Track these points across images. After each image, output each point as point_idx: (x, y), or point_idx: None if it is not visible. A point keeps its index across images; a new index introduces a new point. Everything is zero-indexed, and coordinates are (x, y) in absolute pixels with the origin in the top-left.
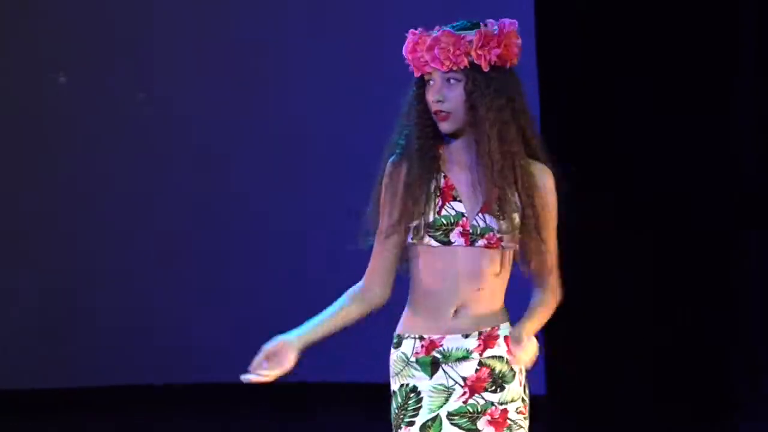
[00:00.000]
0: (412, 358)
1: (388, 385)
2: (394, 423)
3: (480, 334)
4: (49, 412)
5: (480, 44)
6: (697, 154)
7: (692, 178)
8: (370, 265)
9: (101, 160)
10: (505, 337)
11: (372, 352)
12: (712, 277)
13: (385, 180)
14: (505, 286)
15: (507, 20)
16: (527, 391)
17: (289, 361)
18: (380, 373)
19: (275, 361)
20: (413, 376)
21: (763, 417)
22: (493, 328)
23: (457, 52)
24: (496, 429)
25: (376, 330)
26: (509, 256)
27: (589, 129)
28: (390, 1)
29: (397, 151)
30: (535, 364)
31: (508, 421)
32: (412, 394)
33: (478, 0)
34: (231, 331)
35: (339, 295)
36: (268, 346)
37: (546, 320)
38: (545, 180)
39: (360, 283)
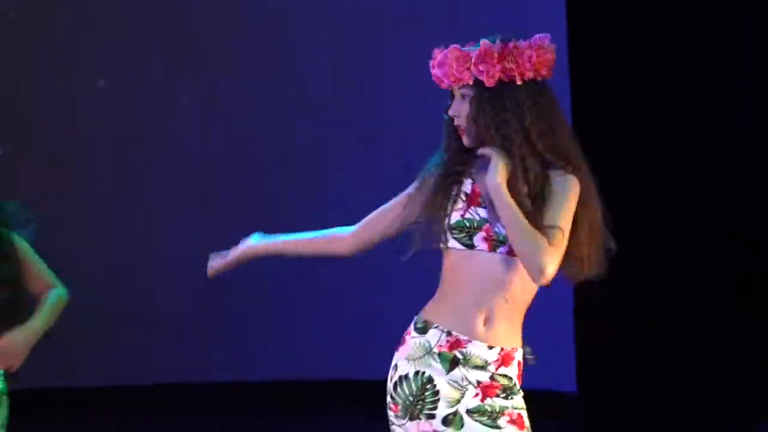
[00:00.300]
0: (435, 350)
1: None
2: (407, 407)
3: (502, 350)
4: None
5: (479, 60)
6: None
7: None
8: (365, 221)
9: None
10: (519, 362)
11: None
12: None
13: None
14: (525, 306)
15: (538, 36)
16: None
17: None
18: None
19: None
20: (431, 366)
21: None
22: (513, 348)
23: (461, 68)
24: (518, 427)
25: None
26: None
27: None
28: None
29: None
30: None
31: (526, 424)
32: (428, 385)
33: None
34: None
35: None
36: (237, 252)
37: (517, 228)
38: (561, 185)
39: (348, 229)
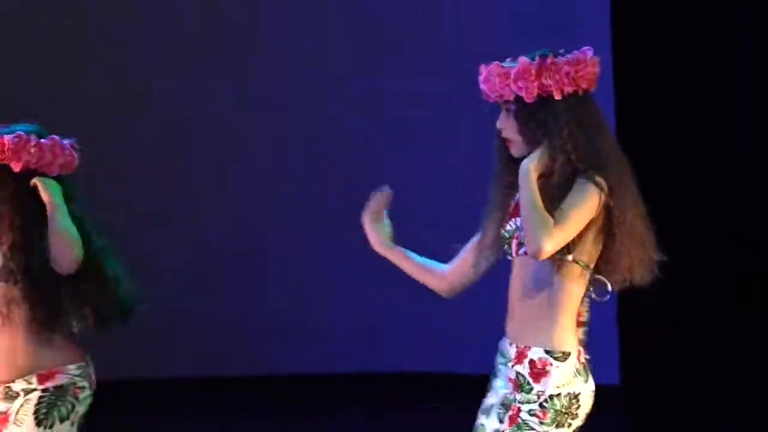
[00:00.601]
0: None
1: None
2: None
3: (518, 347)
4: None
5: (518, 77)
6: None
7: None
8: (453, 264)
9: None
10: (532, 361)
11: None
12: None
13: None
14: (557, 308)
15: (583, 49)
16: (551, 403)
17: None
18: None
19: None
20: (496, 360)
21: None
22: (526, 347)
23: (502, 85)
24: (509, 423)
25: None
26: (558, 272)
27: None
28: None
29: None
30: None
31: (519, 420)
32: (491, 380)
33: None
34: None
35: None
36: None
37: (531, 206)
38: (577, 190)
39: (445, 268)
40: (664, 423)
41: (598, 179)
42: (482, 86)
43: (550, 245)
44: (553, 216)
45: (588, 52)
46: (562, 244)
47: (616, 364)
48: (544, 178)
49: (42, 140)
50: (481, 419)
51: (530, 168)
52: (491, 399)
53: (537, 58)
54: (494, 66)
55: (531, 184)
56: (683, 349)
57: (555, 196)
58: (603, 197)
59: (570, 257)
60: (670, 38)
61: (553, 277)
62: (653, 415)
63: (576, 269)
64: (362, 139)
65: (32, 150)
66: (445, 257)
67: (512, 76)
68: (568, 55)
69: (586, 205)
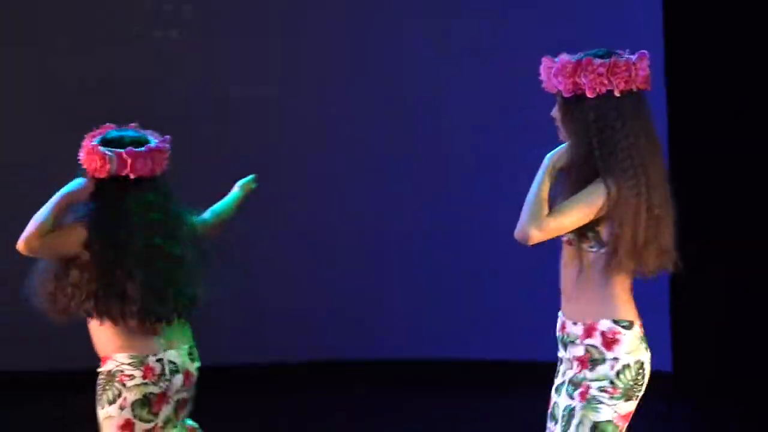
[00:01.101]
0: (558, 334)
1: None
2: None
3: (584, 324)
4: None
5: (557, 73)
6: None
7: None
8: None
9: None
10: (603, 332)
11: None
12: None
13: None
14: (612, 286)
15: (639, 53)
16: (623, 376)
17: None
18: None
19: None
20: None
21: None
22: (594, 321)
23: (549, 78)
24: (580, 398)
25: None
26: (590, 256)
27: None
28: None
29: None
30: None
31: (589, 395)
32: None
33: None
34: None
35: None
36: None
37: (532, 193)
38: (587, 189)
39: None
40: (715, 409)
41: (610, 182)
42: (540, 77)
43: (536, 235)
44: (554, 207)
45: (631, 56)
46: (554, 234)
47: (669, 352)
48: (566, 171)
49: (146, 148)
50: (554, 398)
51: (548, 158)
52: (559, 379)
53: (579, 56)
54: (545, 59)
55: (541, 173)
56: (735, 335)
57: (570, 190)
58: (601, 195)
59: (603, 250)
60: (723, 42)
61: (598, 264)
62: (705, 402)
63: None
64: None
65: (145, 161)
66: None
67: (553, 72)
68: (622, 57)
69: (588, 203)
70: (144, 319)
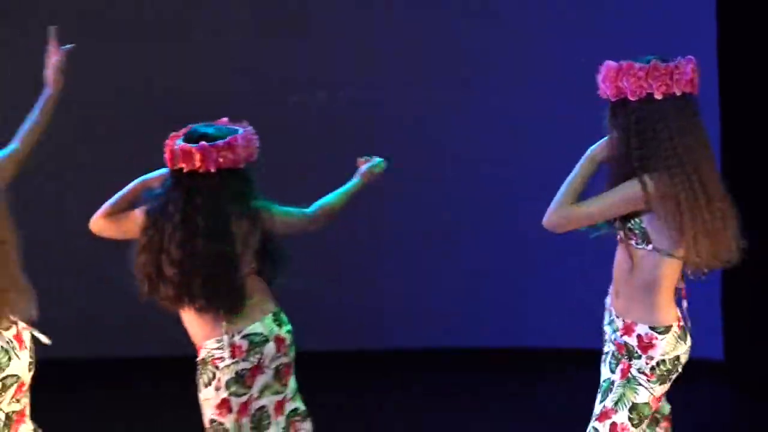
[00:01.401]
0: (606, 311)
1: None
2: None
3: (624, 321)
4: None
5: (603, 77)
6: None
7: None
8: None
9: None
10: (639, 335)
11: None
12: None
13: None
14: (655, 289)
15: (687, 57)
16: (658, 369)
17: None
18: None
19: None
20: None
21: None
22: (633, 322)
23: (601, 84)
24: (621, 375)
25: None
26: (639, 253)
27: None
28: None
29: None
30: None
31: (630, 374)
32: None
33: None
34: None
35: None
36: None
37: (566, 183)
38: (624, 183)
39: None
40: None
41: (646, 179)
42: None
43: (554, 219)
44: (585, 198)
45: (672, 61)
46: (578, 225)
47: (720, 340)
48: (608, 165)
49: (221, 143)
50: (602, 366)
51: (589, 151)
52: (606, 348)
53: (625, 62)
54: (604, 65)
55: (579, 165)
56: None
57: (609, 185)
58: (635, 193)
59: (650, 247)
60: None
61: (645, 262)
62: (757, 390)
63: (660, 256)
64: None
65: (222, 156)
66: None
67: (601, 77)
68: (664, 62)
69: (619, 196)
70: (203, 310)
